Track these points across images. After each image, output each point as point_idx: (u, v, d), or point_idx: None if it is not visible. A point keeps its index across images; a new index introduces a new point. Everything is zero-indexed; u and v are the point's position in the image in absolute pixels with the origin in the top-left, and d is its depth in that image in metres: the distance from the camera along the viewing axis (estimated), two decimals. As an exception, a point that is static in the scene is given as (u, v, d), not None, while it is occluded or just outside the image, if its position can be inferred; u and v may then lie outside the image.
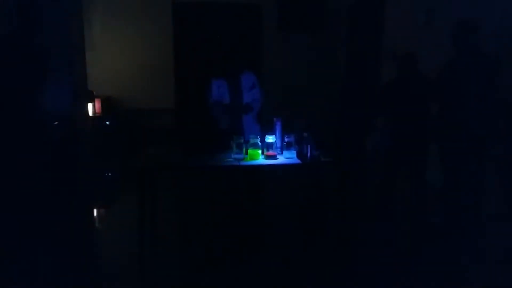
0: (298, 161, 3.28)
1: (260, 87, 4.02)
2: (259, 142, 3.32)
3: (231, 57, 4.01)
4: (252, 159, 3.27)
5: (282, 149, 3.42)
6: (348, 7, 6.46)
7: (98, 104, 6.06)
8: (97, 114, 6.04)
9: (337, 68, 6.67)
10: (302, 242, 3.66)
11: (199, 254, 3.46)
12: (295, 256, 3.39)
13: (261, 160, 3.29)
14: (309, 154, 3.26)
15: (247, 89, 3.93)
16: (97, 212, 4.66)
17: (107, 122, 6.14)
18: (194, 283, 3.01)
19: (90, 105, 5.76)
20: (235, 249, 3.52)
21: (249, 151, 3.29)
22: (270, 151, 3.31)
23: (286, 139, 3.40)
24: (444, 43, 3.71)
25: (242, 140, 3.32)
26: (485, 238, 3.44)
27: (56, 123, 4.08)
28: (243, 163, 3.23)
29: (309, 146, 3.26)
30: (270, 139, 3.33)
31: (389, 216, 4.08)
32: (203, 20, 6.67)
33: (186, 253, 3.56)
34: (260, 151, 3.31)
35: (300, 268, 3.20)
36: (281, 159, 3.33)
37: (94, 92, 5.90)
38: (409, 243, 3.67)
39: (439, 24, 4.31)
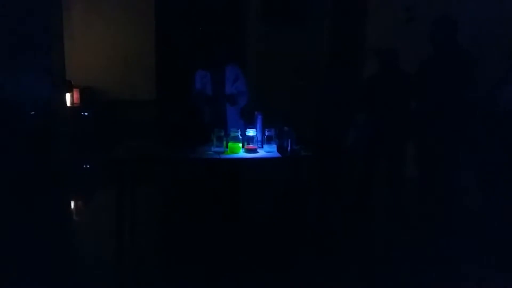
0: (278, 155, 3.29)
1: (245, 80, 4.00)
2: (239, 136, 3.32)
3: (214, 49, 3.97)
4: (232, 152, 3.27)
5: (262, 143, 3.43)
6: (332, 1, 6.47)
7: (76, 94, 5.95)
8: (75, 105, 5.93)
9: (319, 62, 6.69)
10: (282, 236, 3.68)
11: (179, 247, 3.45)
12: (273, 250, 3.41)
13: (241, 153, 3.29)
14: (289, 148, 3.27)
15: (230, 81, 3.90)
16: (75, 205, 4.60)
17: (86, 113, 6.04)
18: (173, 276, 3.00)
19: (68, 96, 5.66)
20: (215, 243, 3.51)
21: (230, 144, 3.29)
22: (250, 145, 3.31)
23: (266, 133, 3.41)
24: (425, 39, 3.76)
25: (222, 133, 3.31)
26: (463, 233, 3.51)
27: (32, 113, 4.00)
28: (223, 156, 3.23)
29: (289, 140, 3.27)
30: (250, 132, 3.33)
31: (368, 211, 4.13)
32: (185, 10, 6.60)
33: (165, 247, 3.55)
34: (240, 145, 3.31)
35: (278, 261, 3.22)
36: (261, 153, 3.33)
37: (73, 82, 5.80)
38: (389, 237, 3.72)
39: (421, 21, 4.36)
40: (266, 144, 3.40)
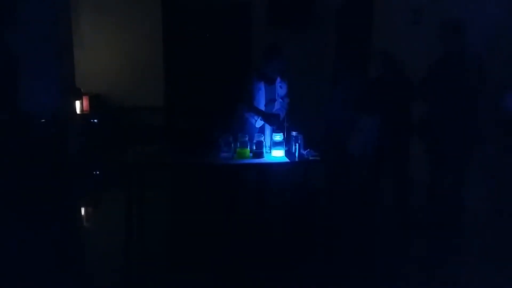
0: (286, 159, 3.30)
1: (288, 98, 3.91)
2: (247, 141, 3.34)
3: (271, 63, 3.71)
4: (241, 157, 3.28)
5: (271, 148, 3.44)
6: (338, 5, 6.49)
7: (86, 101, 6.01)
8: (85, 112, 5.99)
9: (326, 67, 6.70)
10: (290, 240, 3.68)
11: (187, 252, 3.46)
12: (282, 253, 3.41)
13: (249, 158, 3.30)
14: (297, 153, 3.28)
15: (279, 98, 3.82)
16: (85, 210, 4.64)
17: (95, 120, 6.09)
18: (181, 281, 3.01)
19: (77, 103, 5.72)
20: (223, 247, 3.52)
21: (238, 149, 3.30)
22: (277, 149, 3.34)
23: (275, 138, 3.42)
24: (432, 42, 3.76)
25: (231, 139, 3.32)
26: (470, 236, 3.49)
27: (43, 120, 4.05)
28: (231, 161, 3.24)
29: (297, 145, 3.28)
30: (277, 137, 3.34)
31: (375, 214, 4.12)
32: (193, 18, 6.65)
33: (174, 252, 3.56)
34: (248, 150, 3.32)
35: (286, 264, 3.22)
36: (269, 158, 3.34)
37: (82, 90, 5.85)
38: (396, 240, 3.71)
39: (427, 24, 4.36)
40: (274, 149, 3.40)
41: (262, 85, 3.71)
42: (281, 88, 3.81)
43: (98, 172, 5.73)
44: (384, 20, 5.26)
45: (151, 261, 3.30)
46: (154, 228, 3.86)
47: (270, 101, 3.76)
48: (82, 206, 4.66)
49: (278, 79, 3.78)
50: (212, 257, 3.36)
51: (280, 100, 3.82)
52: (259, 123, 3.77)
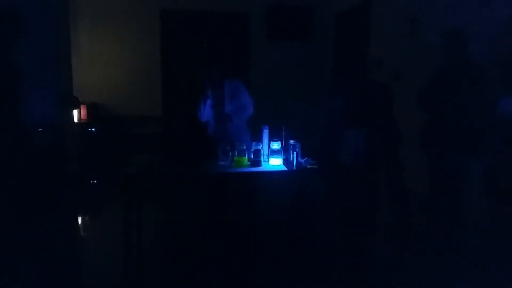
0: (284, 168, 3.30)
1: (247, 92, 4.00)
2: (245, 149, 3.34)
3: (215, 64, 3.97)
4: (238, 166, 3.28)
5: (268, 156, 3.44)
6: (335, 17, 6.54)
7: (83, 110, 6.02)
8: (82, 121, 5.99)
9: (323, 77, 6.73)
10: (288, 248, 3.66)
11: (185, 263, 3.44)
12: (280, 262, 3.39)
13: (247, 167, 3.29)
14: (295, 162, 3.28)
15: (228, 98, 3.92)
16: (83, 220, 4.61)
17: (93, 129, 6.09)
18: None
19: (75, 112, 5.72)
20: (222, 257, 3.50)
21: (236, 158, 3.30)
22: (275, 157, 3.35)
23: (272, 147, 3.41)
24: (428, 52, 3.79)
25: (228, 148, 3.32)
26: (469, 244, 3.48)
27: (40, 129, 4.04)
28: (229, 170, 3.24)
29: (295, 153, 3.28)
30: (275, 145, 3.35)
31: (372, 223, 4.11)
32: (191, 28, 6.69)
33: (172, 262, 3.54)
34: (246, 158, 3.32)
35: (283, 272, 3.20)
36: (267, 166, 3.34)
37: (80, 99, 5.86)
38: (393, 247, 3.70)
39: (423, 34, 4.39)
40: (272, 157, 3.40)
41: (210, 88, 3.90)
42: (230, 88, 3.93)
43: (95, 181, 5.71)
44: (381, 30, 5.30)
45: (149, 270, 3.28)
46: (152, 237, 3.84)
47: (219, 103, 3.92)
48: (80, 216, 4.63)
49: (228, 80, 3.92)
50: (210, 265, 3.33)
51: (233, 101, 3.91)
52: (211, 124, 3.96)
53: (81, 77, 5.92)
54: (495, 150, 3.40)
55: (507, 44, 3.44)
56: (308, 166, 3.30)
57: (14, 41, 3.27)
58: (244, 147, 3.34)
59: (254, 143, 3.41)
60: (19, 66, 3.33)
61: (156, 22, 6.56)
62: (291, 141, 3.34)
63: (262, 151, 3.38)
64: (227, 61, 3.98)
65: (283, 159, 3.37)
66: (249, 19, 6.80)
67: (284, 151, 3.39)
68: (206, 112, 3.96)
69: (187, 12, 6.63)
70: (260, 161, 3.33)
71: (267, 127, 3.49)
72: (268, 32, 6.78)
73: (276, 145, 3.36)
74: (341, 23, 6.45)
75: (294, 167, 3.28)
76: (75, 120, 5.74)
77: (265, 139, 3.49)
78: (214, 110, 3.93)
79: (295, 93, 6.69)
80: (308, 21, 6.87)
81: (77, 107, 5.81)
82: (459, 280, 3.06)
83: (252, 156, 3.34)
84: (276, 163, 3.35)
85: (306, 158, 3.36)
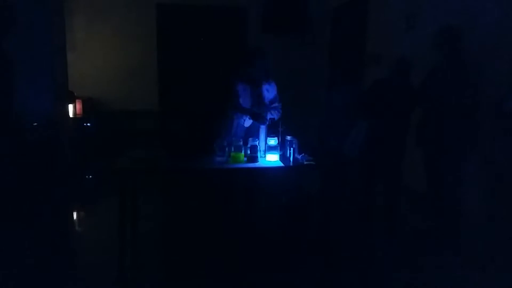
0: (281, 164, 3.29)
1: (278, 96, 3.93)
2: (242, 145, 3.32)
3: (255, 64, 3.76)
4: (235, 162, 3.26)
5: (265, 152, 3.42)
6: (332, 10, 6.51)
7: (79, 105, 5.98)
8: (77, 116, 5.95)
9: (321, 72, 6.71)
10: (285, 245, 3.66)
11: (181, 258, 3.43)
12: (277, 258, 3.39)
13: (244, 163, 3.28)
14: (292, 158, 3.27)
15: (267, 98, 3.84)
16: (78, 215, 4.59)
17: (88, 124, 6.06)
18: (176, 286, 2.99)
19: (70, 106, 5.68)
20: (218, 253, 3.50)
21: (232, 154, 3.29)
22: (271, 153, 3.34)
23: (269, 142, 3.40)
24: (426, 48, 3.77)
25: (225, 143, 3.31)
26: (467, 241, 3.49)
27: (35, 124, 4.01)
28: (226, 165, 3.23)
29: (292, 149, 3.27)
30: (272, 141, 3.34)
31: (370, 218, 4.11)
32: (187, 22, 6.64)
33: (168, 257, 3.53)
34: (243, 154, 3.31)
35: (281, 268, 3.20)
36: (264, 162, 3.33)
37: (75, 93, 5.82)
38: (390, 245, 3.70)
39: (421, 29, 4.37)
40: (269, 153, 3.39)
41: (247, 87, 3.75)
42: (268, 92, 3.82)
43: (91, 176, 5.69)
44: (379, 25, 5.28)
45: (145, 266, 3.27)
46: (148, 232, 3.83)
47: (258, 104, 3.77)
48: (75, 211, 4.61)
49: (265, 82, 3.80)
50: (207, 261, 3.33)
51: (268, 103, 3.82)
52: (247, 122, 3.79)
53: (77, 72, 5.87)
54: (493, 146, 3.40)
55: (504, 40, 3.43)
56: (305, 162, 3.29)
57: (7, 33, 3.22)
58: (241, 143, 3.33)
59: (250, 138, 3.39)
60: (13, 60, 3.29)
61: (152, 16, 6.51)
62: (288, 137, 3.33)
63: (258, 147, 3.37)
64: (267, 61, 3.78)
65: (280, 155, 3.36)
66: (246, 12, 6.76)
67: (281, 147, 3.38)
68: (245, 108, 3.80)
69: (184, 6, 6.58)
70: (257, 157, 3.32)
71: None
72: (264, 26, 6.74)
73: (273, 141, 3.36)
74: (338, 16, 6.43)
75: (291, 163, 3.27)
76: (71, 115, 5.70)
77: (262, 135, 3.48)
78: (252, 107, 3.79)
79: (292, 89, 6.66)
80: (304, 15, 6.83)
81: (73, 102, 5.77)
82: (456, 278, 3.07)
83: (248, 152, 3.32)
84: (273, 159, 3.34)
85: (303, 154, 3.35)
